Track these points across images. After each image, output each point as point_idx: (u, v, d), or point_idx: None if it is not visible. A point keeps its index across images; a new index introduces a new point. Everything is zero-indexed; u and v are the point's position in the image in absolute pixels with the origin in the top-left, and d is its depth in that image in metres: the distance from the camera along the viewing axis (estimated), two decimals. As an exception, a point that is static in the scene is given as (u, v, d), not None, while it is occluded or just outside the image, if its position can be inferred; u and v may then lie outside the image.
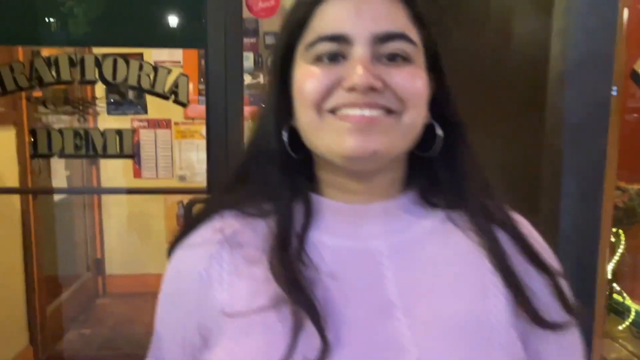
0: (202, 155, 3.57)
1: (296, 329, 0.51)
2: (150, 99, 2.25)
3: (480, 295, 0.57)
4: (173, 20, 1.54)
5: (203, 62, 3.27)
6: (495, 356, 0.54)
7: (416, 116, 0.56)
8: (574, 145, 1.15)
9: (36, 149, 1.72)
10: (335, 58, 0.55)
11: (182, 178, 3.34)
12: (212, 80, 1.58)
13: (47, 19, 1.53)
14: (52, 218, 3.10)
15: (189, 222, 0.63)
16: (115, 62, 1.59)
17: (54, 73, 1.58)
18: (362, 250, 0.59)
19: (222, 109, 1.59)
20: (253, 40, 2.40)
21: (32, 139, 1.71)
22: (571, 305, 0.59)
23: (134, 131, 2.06)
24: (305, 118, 0.56)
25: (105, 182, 3.56)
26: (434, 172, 0.61)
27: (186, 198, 2.68)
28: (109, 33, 1.55)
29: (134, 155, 2.18)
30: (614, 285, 3.29)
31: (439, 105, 0.59)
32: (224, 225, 0.60)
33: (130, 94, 2.40)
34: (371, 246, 0.59)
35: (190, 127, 3.37)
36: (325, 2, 0.55)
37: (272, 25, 2.20)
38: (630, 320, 3.05)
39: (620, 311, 3.21)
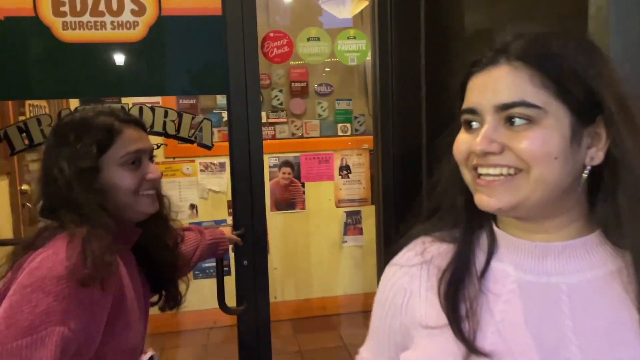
0: (184, 193, 3.65)
1: (471, 350, 0.65)
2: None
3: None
4: (198, 71, 1.68)
5: (181, 101, 3.42)
6: None
7: (544, 171, 0.62)
8: None
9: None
10: (471, 125, 0.67)
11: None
12: (234, 121, 1.72)
13: (77, 73, 1.63)
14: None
15: (399, 245, 0.78)
16: (141, 110, 1.70)
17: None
18: (543, 284, 0.66)
19: (245, 145, 1.72)
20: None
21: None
22: None
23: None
24: (463, 171, 0.69)
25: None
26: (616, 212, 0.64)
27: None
28: (140, 84, 1.66)
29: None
30: None
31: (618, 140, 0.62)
32: (424, 250, 0.75)
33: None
34: (552, 281, 0.66)
35: (171, 166, 3.44)
36: (471, 79, 0.68)
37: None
38: None
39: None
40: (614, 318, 0.63)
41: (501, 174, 0.63)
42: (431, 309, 0.70)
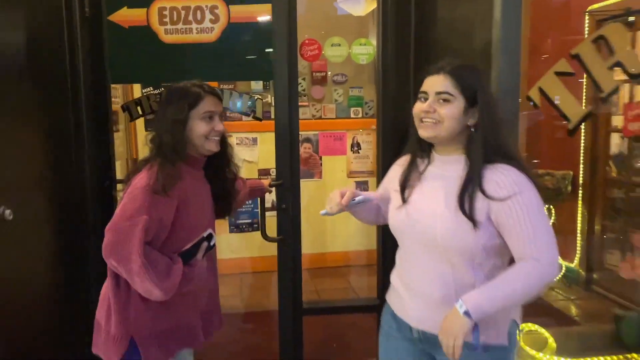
0: None
1: (403, 200, 1.43)
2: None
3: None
4: (253, 62, 2.40)
5: (221, 85, 4.14)
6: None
7: (449, 124, 1.36)
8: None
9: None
10: (425, 99, 1.40)
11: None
12: (278, 101, 2.43)
13: (173, 64, 2.37)
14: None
15: (404, 153, 1.56)
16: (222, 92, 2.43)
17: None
18: (441, 174, 1.44)
19: (286, 118, 2.43)
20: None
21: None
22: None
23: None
24: (415, 122, 1.44)
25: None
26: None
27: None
28: (214, 71, 2.40)
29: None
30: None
31: (482, 118, 1.36)
32: (404, 159, 1.54)
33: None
34: (445, 174, 1.43)
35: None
36: (425, 79, 1.41)
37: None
38: (561, 274, 4.00)
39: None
40: (448, 190, 1.39)
41: (431, 121, 1.38)
42: (397, 184, 1.50)
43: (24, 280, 1.91)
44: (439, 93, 1.36)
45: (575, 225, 4.02)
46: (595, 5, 3.47)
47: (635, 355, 1.96)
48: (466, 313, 1.25)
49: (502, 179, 1.32)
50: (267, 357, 2.83)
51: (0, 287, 1.69)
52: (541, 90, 1.75)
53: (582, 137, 3.85)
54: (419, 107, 1.40)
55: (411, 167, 1.48)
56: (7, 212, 1.69)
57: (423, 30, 2.35)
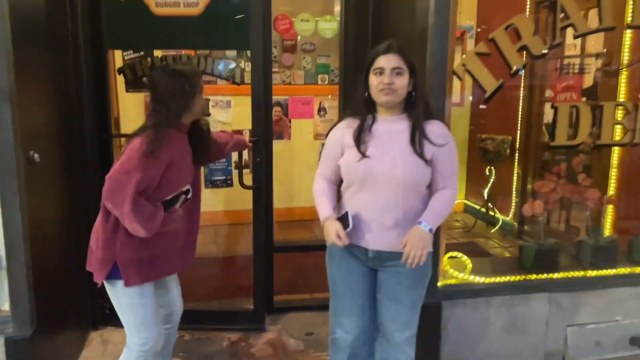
0: None
1: (362, 155, 1.81)
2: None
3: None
4: (233, 34, 2.78)
5: (199, 52, 4.46)
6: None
7: (402, 92, 1.77)
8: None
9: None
10: (381, 73, 1.76)
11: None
12: (255, 69, 2.83)
13: (163, 33, 2.73)
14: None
15: (340, 119, 1.95)
16: (199, 59, 2.81)
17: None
18: (387, 130, 1.81)
19: (261, 82, 2.84)
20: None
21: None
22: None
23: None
24: (373, 91, 1.80)
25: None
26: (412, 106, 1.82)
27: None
28: (198, 41, 2.77)
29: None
30: (489, 204, 4.81)
31: (415, 86, 1.81)
32: (347, 123, 1.88)
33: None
34: (389, 129, 1.81)
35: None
36: (378, 58, 1.77)
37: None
38: (498, 226, 4.58)
39: (492, 222, 4.72)
40: (400, 141, 1.80)
41: (390, 90, 1.76)
42: (350, 140, 1.84)
43: (49, 212, 2.30)
44: (394, 68, 1.76)
45: (512, 184, 4.56)
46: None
47: (533, 275, 2.53)
48: (430, 230, 1.77)
49: (438, 131, 1.81)
50: (242, 292, 3.32)
51: (34, 218, 2.08)
52: (464, 66, 2.21)
53: (520, 107, 4.36)
54: (379, 80, 1.77)
55: (362, 127, 1.83)
56: (36, 155, 2.08)
57: (378, 10, 2.79)
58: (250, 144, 2.77)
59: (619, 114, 2.50)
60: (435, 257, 2.28)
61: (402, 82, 1.77)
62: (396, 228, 1.82)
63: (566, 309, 2.50)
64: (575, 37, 2.34)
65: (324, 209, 1.90)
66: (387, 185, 1.80)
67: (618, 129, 2.50)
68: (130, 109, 3.98)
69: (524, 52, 2.29)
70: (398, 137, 1.81)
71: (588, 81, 3.76)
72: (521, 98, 4.32)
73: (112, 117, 2.95)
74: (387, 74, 1.75)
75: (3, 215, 1.97)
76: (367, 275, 1.94)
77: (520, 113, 4.37)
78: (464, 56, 2.27)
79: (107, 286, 1.95)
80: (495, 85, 2.25)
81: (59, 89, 2.52)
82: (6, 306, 2.10)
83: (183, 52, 3.32)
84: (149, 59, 2.97)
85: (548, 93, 4.22)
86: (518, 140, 4.42)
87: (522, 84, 4.26)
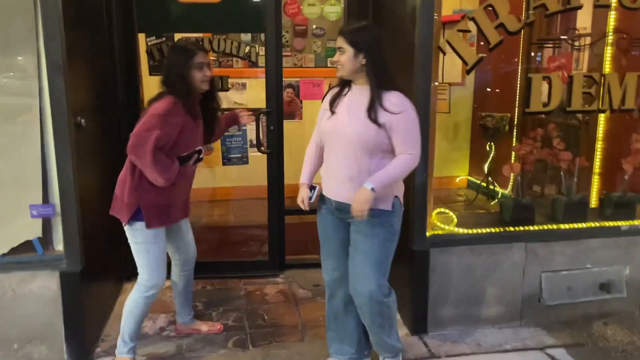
0: None
1: (331, 113, 2.16)
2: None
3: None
4: (249, 19, 3.14)
5: (215, 36, 4.83)
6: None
7: (347, 65, 2.05)
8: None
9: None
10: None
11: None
12: (269, 48, 3.19)
13: (187, 19, 3.10)
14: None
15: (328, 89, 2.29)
16: (219, 41, 3.18)
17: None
18: (351, 96, 2.12)
19: (274, 64, 3.20)
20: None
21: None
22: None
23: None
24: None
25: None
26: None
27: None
28: (218, 25, 3.14)
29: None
30: (489, 178, 5.10)
31: (367, 60, 2.05)
32: (332, 91, 2.20)
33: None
34: (353, 96, 2.12)
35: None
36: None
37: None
38: (498, 198, 4.88)
39: (492, 195, 5.02)
40: (360, 106, 2.06)
41: (339, 65, 2.08)
42: (327, 105, 2.18)
43: (91, 170, 2.70)
44: (338, 48, 2.08)
45: (510, 159, 4.85)
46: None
47: (509, 228, 2.87)
48: (372, 189, 2.01)
49: (395, 100, 2.04)
50: (258, 254, 3.72)
51: (80, 173, 2.47)
52: (448, 42, 2.54)
53: (518, 86, 4.64)
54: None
55: (338, 94, 2.16)
56: (82, 120, 2.47)
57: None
58: (250, 117, 2.99)
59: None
60: (422, 212, 2.64)
61: (344, 59, 2.06)
62: (350, 182, 2.09)
63: (541, 257, 2.82)
64: (546, 16, 2.64)
65: (303, 175, 2.30)
66: (343, 142, 2.08)
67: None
68: (154, 90, 4.38)
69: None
70: (360, 103, 2.07)
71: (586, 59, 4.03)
72: (519, 78, 4.60)
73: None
74: (336, 53, 2.09)
75: (58, 169, 2.37)
76: (340, 226, 2.24)
77: (518, 92, 4.65)
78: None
79: (128, 229, 2.33)
80: (475, 59, 2.57)
81: (97, 66, 2.91)
82: (60, 247, 2.52)
83: (201, 35, 3.70)
84: (169, 43, 3.34)
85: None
86: (516, 117, 4.70)
87: (520, 66, 4.55)
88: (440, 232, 2.77)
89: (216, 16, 3.14)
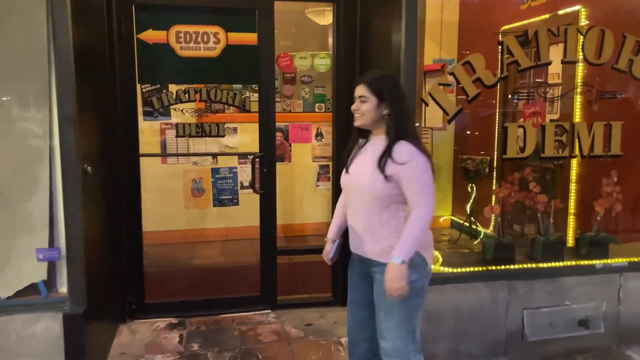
0: (209, 147, 5.05)
1: (346, 169, 2.18)
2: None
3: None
4: (244, 72, 3.35)
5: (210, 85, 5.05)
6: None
7: (368, 115, 2.04)
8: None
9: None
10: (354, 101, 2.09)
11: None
12: (262, 98, 3.39)
13: (186, 72, 3.29)
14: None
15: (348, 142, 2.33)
16: (215, 91, 3.37)
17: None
18: (372, 147, 2.08)
19: (266, 111, 3.40)
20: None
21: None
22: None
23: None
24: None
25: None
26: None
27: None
28: (216, 78, 3.34)
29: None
30: (471, 218, 5.30)
31: (391, 109, 2.04)
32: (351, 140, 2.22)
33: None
34: (373, 147, 2.06)
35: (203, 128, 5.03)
36: (356, 87, 2.08)
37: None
38: (480, 237, 5.06)
39: (474, 234, 5.20)
40: (374, 157, 2.04)
41: (358, 114, 2.08)
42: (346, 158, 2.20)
43: (95, 215, 2.81)
44: (360, 96, 2.06)
45: (491, 199, 5.06)
46: (505, 27, 4.53)
47: (492, 267, 3.03)
48: (402, 262, 1.92)
49: (402, 150, 1.98)
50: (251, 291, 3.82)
51: (86, 220, 2.59)
52: (430, 95, 2.77)
53: (496, 131, 4.90)
54: (352, 107, 2.10)
55: (355, 147, 2.18)
56: (89, 168, 2.61)
57: (364, 47, 3.36)
58: None
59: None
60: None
61: (366, 108, 2.04)
62: (364, 235, 2.09)
63: (522, 294, 2.98)
64: (519, 71, 2.89)
65: (330, 228, 2.34)
66: (357, 194, 2.11)
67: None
68: (148, 135, 4.53)
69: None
70: (373, 154, 2.04)
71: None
72: (497, 123, 4.87)
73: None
74: (356, 102, 2.08)
75: (66, 214, 2.49)
76: (365, 277, 2.19)
77: (496, 136, 4.91)
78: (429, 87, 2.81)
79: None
80: (455, 110, 2.80)
81: (101, 115, 3.07)
82: (64, 289, 2.61)
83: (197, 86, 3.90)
84: (164, 91, 3.53)
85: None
86: (495, 160, 4.94)
87: (497, 111, 4.82)
88: (427, 271, 2.91)
89: (214, 69, 3.34)
